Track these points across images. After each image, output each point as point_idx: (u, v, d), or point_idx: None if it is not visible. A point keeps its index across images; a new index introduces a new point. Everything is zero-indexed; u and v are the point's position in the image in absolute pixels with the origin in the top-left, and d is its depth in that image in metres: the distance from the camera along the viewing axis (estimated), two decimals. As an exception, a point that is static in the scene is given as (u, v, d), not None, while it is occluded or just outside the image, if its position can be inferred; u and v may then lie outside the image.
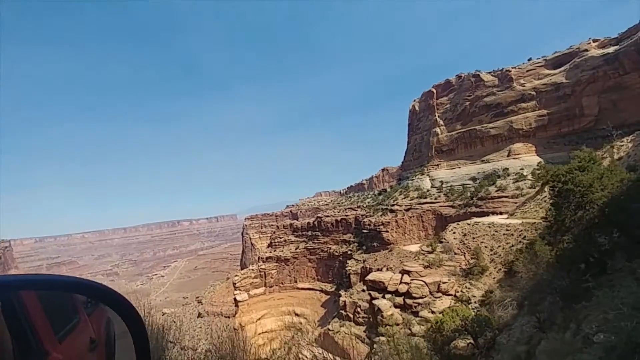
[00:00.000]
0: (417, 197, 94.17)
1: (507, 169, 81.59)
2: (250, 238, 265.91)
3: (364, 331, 79.92)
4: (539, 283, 11.71)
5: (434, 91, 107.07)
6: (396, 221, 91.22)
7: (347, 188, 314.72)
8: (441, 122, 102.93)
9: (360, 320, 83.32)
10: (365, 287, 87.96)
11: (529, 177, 75.71)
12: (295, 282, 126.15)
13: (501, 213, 63.16)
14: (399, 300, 33.42)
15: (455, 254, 35.73)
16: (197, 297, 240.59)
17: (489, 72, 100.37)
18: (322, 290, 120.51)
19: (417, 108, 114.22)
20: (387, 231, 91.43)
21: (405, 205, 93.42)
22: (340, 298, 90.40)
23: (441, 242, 38.80)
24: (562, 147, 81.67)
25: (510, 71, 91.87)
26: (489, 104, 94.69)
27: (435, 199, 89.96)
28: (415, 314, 31.92)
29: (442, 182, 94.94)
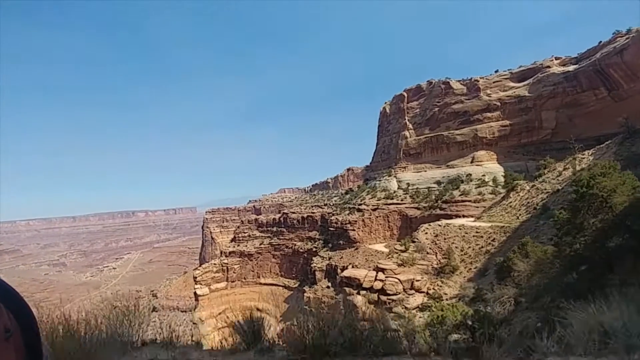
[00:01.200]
0: (384, 198, 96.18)
1: (470, 174, 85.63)
2: (210, 232, 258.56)
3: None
4: (540, 281, 12.23)
5: (405, 95, 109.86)
6: (363, 220, 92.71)
7: (312, 186, 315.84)
8: (410, 126, 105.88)
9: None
10: (330, 284, 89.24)
11: (490, 183, 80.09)
12: (259, 277, 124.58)
13: (464, 216, 66.17)
14: (374, 296, 33.87)
15: (427, 253, 36.84)
16: (152, 291, 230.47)
17: (459, 81, 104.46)
18: (285, 286, 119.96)
19: (387, 110, 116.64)
20: (353, 230, 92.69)
21: (372, 205, 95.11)
22: (305, 294, 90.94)
23: (414, 241, 39.83)
24: (521, 156, 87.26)
25: (478, 81, 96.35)
26: (456, 111, 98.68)
27: (402, 200, 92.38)
28: (389, 310, 32.44)
29: (408, 184, 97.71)
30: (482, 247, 33.50)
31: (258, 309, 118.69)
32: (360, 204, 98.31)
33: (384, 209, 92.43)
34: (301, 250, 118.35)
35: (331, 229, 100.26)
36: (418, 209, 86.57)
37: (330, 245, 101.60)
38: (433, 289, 32.12)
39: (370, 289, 34.76)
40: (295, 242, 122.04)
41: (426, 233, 39.98)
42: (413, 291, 32.58)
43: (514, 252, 19.20)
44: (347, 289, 36.38)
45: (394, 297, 33.38)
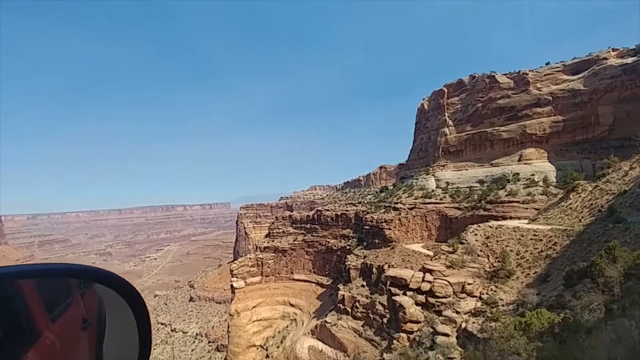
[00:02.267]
0: (421, 197, 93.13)
1: (518, 174, 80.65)
2: (244, 227, 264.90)
3: (362, 326, 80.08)
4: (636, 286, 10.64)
5: (445, 90, 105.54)
6: (399, 219, 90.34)
7: (344, 183, 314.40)
8: (450, 123, 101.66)
9: (359, 315, 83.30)
10: (365, 283, 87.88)
11: (540, 183, 75.03)
12: (292, 273, 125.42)
13: (511, 218, 62.37)
14: (421, 298, 32.39)
15: (478, 255, 34.74)
16: (190, 282, 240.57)
17: (505, 74, 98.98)
18: (318, 283, 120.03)
19: (426, 107, 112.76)
20: (389, 228, 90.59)
21: (409, 204, 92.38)
22: (339, 292, 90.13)
23: (462, 243, 37.74)
24: (575, 154, 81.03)
25: (527, 74, 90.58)
26: (502, 106, 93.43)
27: (441, 199, 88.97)
28: (438, 313, 30.95)
29: (448, 183, 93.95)
30: (541, 251, 30.96)
31: (291, 304, 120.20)
32: (396, 203, 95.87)
33: (421, 208, 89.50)
34: (334, 248, 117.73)
35: (366, 227, 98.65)
36: (459, 209, 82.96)
37: (364, 243, 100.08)
38: (487, 293, 30.12)
39: (418, 290, 33.29)
40: (328, 240, 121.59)
41: (475, 234, 37.72)
42: (464, 295, 30.75)
43: (601, 256, 17.19)
44: (392, 288, 35.07)
45: (443, 300, 31.79)
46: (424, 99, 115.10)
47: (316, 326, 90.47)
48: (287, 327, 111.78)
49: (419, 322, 31.67)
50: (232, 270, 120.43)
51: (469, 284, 31.06)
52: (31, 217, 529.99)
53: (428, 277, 33.92)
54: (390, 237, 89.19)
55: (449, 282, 31.79)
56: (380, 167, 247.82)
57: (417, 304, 32.98)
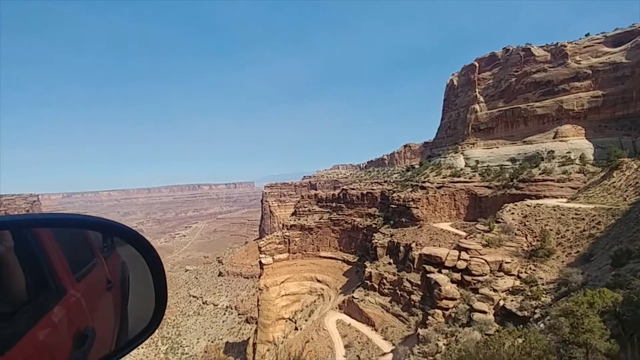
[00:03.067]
0: (449, 176, 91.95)
1: (553, 151, 77.97)
2: (269, 206, 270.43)
3: (389, 302, 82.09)
4: None
5: (476, 65, 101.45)
6: (427, 198, 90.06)
7: (367, 162, 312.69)
8: (481, 99, 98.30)
9: (386, 291, 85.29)
10: (392, 261, 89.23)
11: (577, 161, 72.43)
12: (318, 250, 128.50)
13: (545, 197, 61.03)
14: (457, 276, 33.07)
15: (515, 234, 34.79)
16: (218, 257, 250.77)
17: (541, 46, 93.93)
18: (344, 260, 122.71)
19: (455, 83, 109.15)
20: (417, 207, 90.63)
21: (437, 183, 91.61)
22: (366, 269, 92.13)
23: (498, 222, 37.74)
24: (614, 131, 77.24)
25: (565, 46, 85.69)
26: (538, 81, 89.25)
27: (470, 178, 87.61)
28: (475, 290, 31.62)
29: (477, 161, 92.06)
30: (583, 230, 30.65)
31: (318, 280, 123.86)
32: (424, 182, 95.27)
33: (450, 187, 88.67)
34: (360, 226, 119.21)
35: (393, 206, 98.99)
36: (489, 187, 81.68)
37: (391, 222, 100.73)
38: (525, 272, 30.43)
39: (453, 268, 33.96)
40: (354, 218, 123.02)
41: (512, 213, 37.55)
42: (502, 273, 31.16)
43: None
44: (426, 266, 35.89)
45: (479, 278, 32.34)
46: (453, 75, 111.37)
47: (343, 301, 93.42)
48: (315, 301, 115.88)
49: (455, 299, 32.51)
50: (260, 247, 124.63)
51: (507, 262, 31.38)
52: (66, 196, 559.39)
53: (464, 255, 34.40)
54: (418, 216, 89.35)
55: (485, 260, 32.19)
56: (405, 146, 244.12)
57: (452, 281, 33.71)
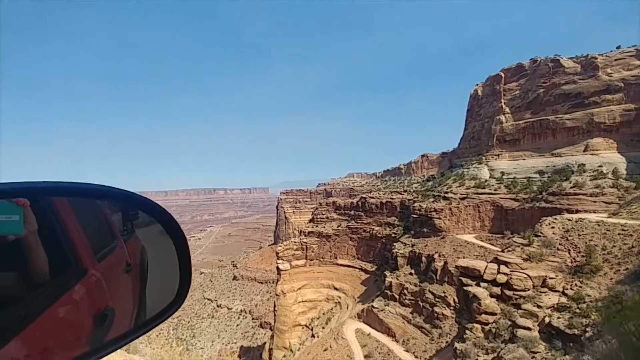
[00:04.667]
0: (473, 187, 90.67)
1: (584, 164, 76.12)
2: (284, 212, 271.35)
3: (411, 313, 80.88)
4: None
5: (502, 75, 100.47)
6: (450, 209, 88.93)
7: (384, 171, 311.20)
8: (507, 110, 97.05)
9: (407, 302, 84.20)
10: (413, 271, 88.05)
11: (610, 175, 70.54)
12: (336, 258, 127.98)
13: (577, 211, 59.44)
14: (496, 290, 32.48)
15: (557, 249, 34.04)
16: (233, 262, 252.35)
17: (571, 58, 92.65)
18: (361, 269, 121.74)
19: (479, 93, 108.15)
20: (439, 218, 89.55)
21: (461, 194, 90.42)
22: (386, 278, 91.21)
23: (537, 235, 37.00)
24: (648, 146, 75.12)
25: (596, 58, 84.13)
26: (567, 92, 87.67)
27: (495, 190, 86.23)
28: (517, 306, 31.00)
29: (503, 173, 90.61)
30: (632, 246, 29.80)
31: (335, 288, 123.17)
32: (446, 192, 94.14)
33: (474, 198, 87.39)
34: (379, 235, 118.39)
35: (414, 215, 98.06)
36: (516, 200, 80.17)
37: (412, 232, 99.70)
38: (570, 288, 29.68)
39: (493, 282, 33.38)
40: (373, 227, 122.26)
41: (552, 227, 36.73)
42: (545, 289, 30.41)
43: None
44: (463, 278, 35.37)
45: (522, 293, 31.65)
46: (477, 85, 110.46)
47: (362, 310, 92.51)
48: (332, 309, 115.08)
49: (495, 314, 31.83)
50: (278, 253, 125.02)
51: (551, 278, 30.61)
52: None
53: (503, 269, 33.80)
54: (440, 227, 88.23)
55: (528, 275, 31.49)
56: (422, 156, 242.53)
57: (491, 295, 33.13)
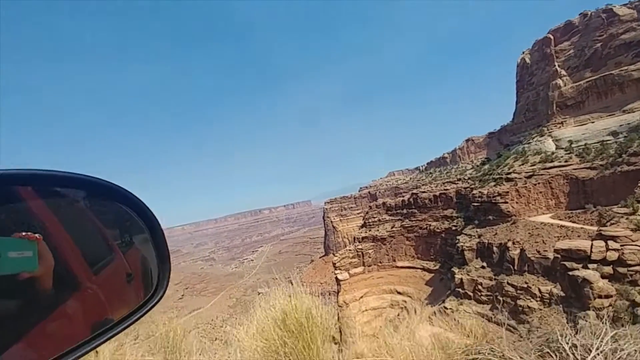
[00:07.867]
0: (539, 162, 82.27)
1: (666, 116, 66.10)
2: (332, 221, 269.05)
3: (490, 309, 73.72)
4: None
5: (551, 37, 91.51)
6: (516, 190, 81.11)
7: (427, 164, 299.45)
8: (563, 72, 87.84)
9: (483, 298, 76.99)
10: (485, 264, 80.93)
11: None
12: (394, 260, 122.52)
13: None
14: (607, 269, 27.36)
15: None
16: (287, 278, 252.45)
17: (625, 5, 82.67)
18: (423, 269, 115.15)
19: (527, 60, 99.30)
20: (505, 202, 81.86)
21: (526, 172, 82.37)
22: (455, 276, 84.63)
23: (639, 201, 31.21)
24: None
25: (657, -3, 73.91)
26: (628, 42, 77.86)
27: (566, 161, 77.47)
28: (633, 283, 25.84)
29: (570, 141, 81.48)
30: None
31: (398, 292, 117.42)
32: (508, 173, 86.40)
33: (542, 174, 79.04)
34: (438, 230, 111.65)
35: (475, 204, 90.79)
36: (592, 168, 71.26)
37: (475, 222, 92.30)
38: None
39: (602, 261, 28.18)
40: (429, 223, 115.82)
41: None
42: (667, 260, 24.97)
43: None
44: (566, 263, 30.27)
45: (637, 268, 26.47)
46: (523, 53, 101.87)
47: (434, 312, 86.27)
48: (398, 315, 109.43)
49: (610, 297, 26.78)
50: (335, 263, 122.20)
51: (673, 246, 25.09)
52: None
53: (612, 244, 28.66)
54: (508, 211, 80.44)
55: (641, 247, 26.21)
56: (467, 140, 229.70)
57: (603, 276, 28.05)
